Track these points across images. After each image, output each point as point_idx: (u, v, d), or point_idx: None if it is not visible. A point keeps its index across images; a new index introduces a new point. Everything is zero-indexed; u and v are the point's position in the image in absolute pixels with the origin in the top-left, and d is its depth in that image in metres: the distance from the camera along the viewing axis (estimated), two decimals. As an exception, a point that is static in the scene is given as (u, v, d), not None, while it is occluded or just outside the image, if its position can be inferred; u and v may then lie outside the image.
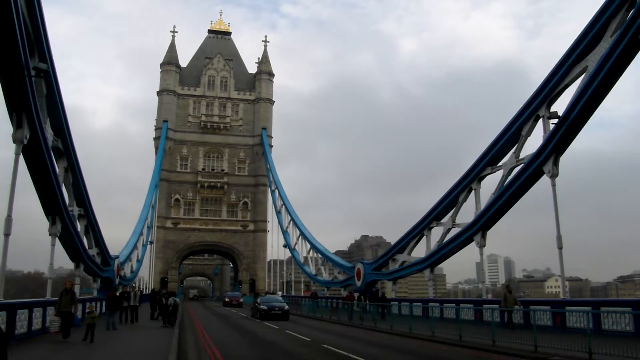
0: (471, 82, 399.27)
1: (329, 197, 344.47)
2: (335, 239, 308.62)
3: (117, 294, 24.09)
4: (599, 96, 19.32)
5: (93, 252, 30.81)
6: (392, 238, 61.70)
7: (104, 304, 25.98)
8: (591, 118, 20.21)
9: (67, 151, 22.93)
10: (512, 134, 24.47)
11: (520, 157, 24.07)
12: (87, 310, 13.49)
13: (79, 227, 27.07)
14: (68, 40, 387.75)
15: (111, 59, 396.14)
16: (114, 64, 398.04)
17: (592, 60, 19.58)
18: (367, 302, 29.85)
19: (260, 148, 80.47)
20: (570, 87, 21.36)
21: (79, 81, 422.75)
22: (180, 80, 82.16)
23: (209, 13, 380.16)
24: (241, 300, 53.88)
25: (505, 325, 18.64)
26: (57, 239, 22.61)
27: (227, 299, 54.18)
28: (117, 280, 37.12)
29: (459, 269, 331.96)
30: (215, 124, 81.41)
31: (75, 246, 25.91)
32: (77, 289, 28.30)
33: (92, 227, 29.77)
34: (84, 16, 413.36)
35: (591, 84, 18.95)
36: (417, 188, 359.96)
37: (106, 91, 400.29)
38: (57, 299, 16.32)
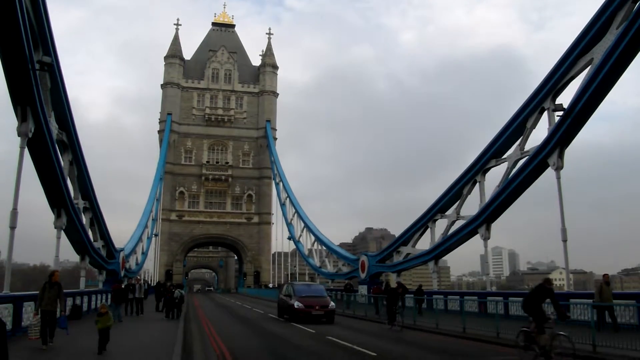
0: (473, 73, 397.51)
1: (332, 189, 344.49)
2: (340, 231, 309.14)
3: (123, 286, 24.21)
4: (604, 88, 19.21)
5: (98, 244, 30.95)
6: (397, 230, 61.77)
7: (109, 296, 26.14)
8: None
9: (71, 144, 22.99)
10: (517, 127, 24.36)
11: (525, 150, 23.98)
12: (99, 311, 12.15)
13: (84, 219, 27.19)
14: (66, 33, 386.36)
15: (110, 51, 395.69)
16: (113, 57, 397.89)
17: (598, 52, 19.43)
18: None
19: (264, 140, 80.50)
20: (575, 79, 21.24)
21: (78, 75, 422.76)
22: (184, 73, 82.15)
23: (212, 6, 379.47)
24: (332, 305, 23.32)
25: (597, 327, 12.90)
26: (62, 232, 22.79)
27: (297, 304, 22.40)
28: (123, 273, 37.35)
29: (463, 261, 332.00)
30: (219, 117, 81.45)
31: (81, 239, 26.03)
32: (82, 281, 28.52)
33: (98, 220, 29.89)
34: (81, 8, 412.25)
35: (597, 76, 18.82)
36: (420, 179, 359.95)
37: (107, 83, 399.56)
38: (37, 292, 12.40)
